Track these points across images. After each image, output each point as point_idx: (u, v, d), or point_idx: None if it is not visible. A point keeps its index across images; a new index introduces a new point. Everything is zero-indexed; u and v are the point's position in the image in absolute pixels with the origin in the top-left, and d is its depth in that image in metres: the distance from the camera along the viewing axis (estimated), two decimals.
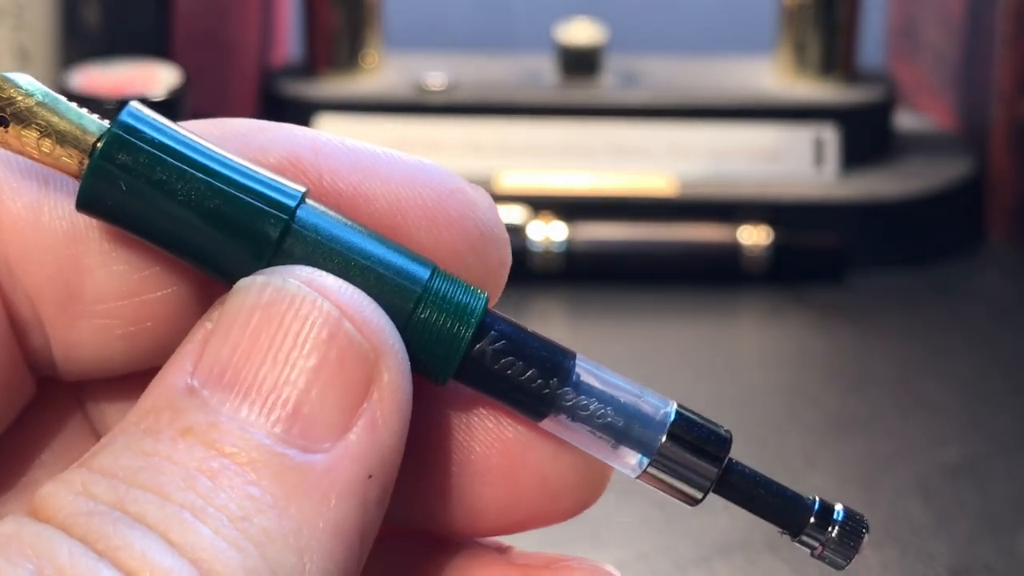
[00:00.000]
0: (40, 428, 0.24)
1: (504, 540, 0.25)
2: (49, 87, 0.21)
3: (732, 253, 0.64)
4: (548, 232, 0.64)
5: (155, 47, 0.66)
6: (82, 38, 0.65)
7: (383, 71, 0.72)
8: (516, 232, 0.64)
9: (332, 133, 0.23)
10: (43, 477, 0.23)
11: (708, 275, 0.65)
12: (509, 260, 0.24)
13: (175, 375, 0.20)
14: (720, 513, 0.47)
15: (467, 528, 0.24)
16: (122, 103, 0.21)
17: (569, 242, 0.64)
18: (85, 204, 0.21)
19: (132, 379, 0.23)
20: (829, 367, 0.59)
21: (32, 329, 0.22)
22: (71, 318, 0.22)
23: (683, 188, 0.67)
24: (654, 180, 0.67)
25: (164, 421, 0.20)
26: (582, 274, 0.64)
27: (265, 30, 0.76)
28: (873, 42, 0.79)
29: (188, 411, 0.20)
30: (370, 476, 0.20)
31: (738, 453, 0.23)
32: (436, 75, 0.70)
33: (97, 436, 0.24)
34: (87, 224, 0.22)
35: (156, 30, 0.68)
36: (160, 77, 0.60)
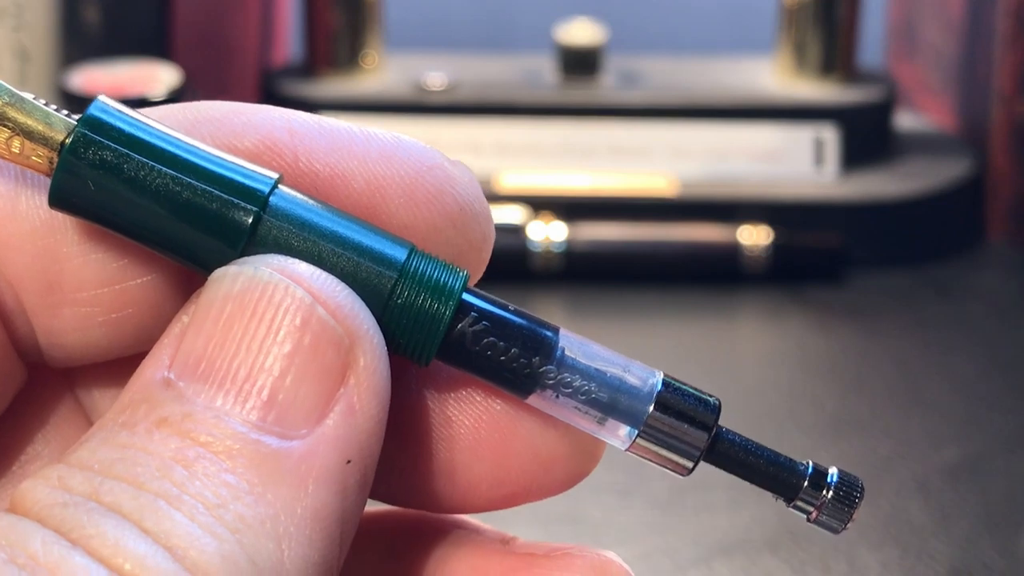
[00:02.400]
0: (34, 418, 0.24)
1: (506, 531, 0.25)
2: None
3: (732, 253, 0.64)
4: (548, 232, 0.64)
5: (155, 47, 0.66)
6: (82, 38, 0.65)
7: (383, 71, 0.72)
8: (516, 232, 0.64)
9: (309, 114, 0.23)
10: (38, 467, 0.23)
11: (708, 275, 0.65)
12: (492, 234, 0.24)
13: (152, 369, 0.20)
14: (720, 513, 0.47)
15: (461, 504, 0.24)
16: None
17: (569, 242, 0.64)
18: (57, 201, 0.21)
19: (123, 365, 0.23)
20: (829, 367, 0.59)
21: (16, 317, 0.22)
22: (52, 307, 0.22)
23: (683, 188, 0.67)
24: (654, 180, 0.67)
25: (140, 414, 0.20)
26: (582, 274, 0.64)
27: (265, 30, 0.76)
28: (873, 42, 0.79)
29: (164, 403, 0.20)
30: (349, 462, 0.20)
31: None
32: (436, 75, 0.70)
33: (91, 425, 0.24)
34: (64, 214, 0.22)
35: (156, 30, 0.68)
36: (160, 77, 0.60)
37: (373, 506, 0.24)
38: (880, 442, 0.52)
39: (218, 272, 0.21)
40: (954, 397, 0.56)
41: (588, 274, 0.65)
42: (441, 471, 0.23)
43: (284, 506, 0.19)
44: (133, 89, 0.58)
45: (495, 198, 0.65)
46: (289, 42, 0.79)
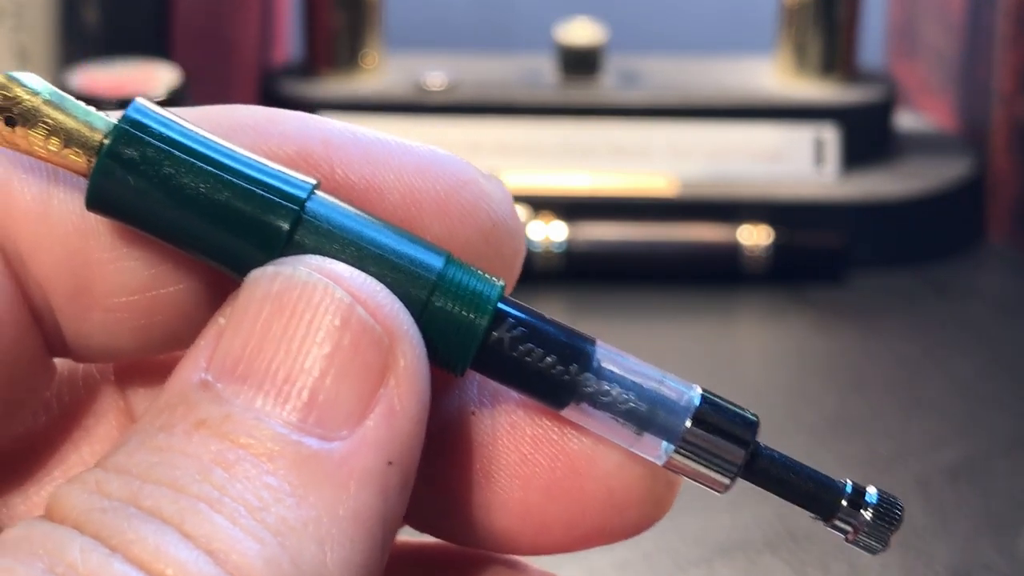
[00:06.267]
0: (83, 419, 0.24)
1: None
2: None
3: (732, 253, 0.64)
4: (548, 232, 0.64)
5: (155, 47, 0.66)
6: (82, 38, 0.65)
7: (383, 71, 0.72)
8: None
9: (344, 123, 0.23)
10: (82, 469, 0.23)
11: (708, 275, 0.65)
12: (524, 250, 0.24)
13: (189, 371, 0.20)
14: (721, 513, 0.47)
15: (531, 545, 0.24)
16: (124, 103, 0.21)
17: (569, 242, 0.64)
18: (94, 202, 0.21)
19: (172, 366, 0.23)
20: (829, 367, 0.59)
21: (45, 316, 0.22)
22: (81, 310, 0.22)
23: (683, 188, 0.67)
24: (654, 180, 0.67)
25: (178, 416, 0.20)
26: (582, 274, 0.64)
27: (265, 30, 0.76)
28: (873, 42, 0.79)
29: (201, 405, 0.20)
30: (390, 463, 0.20)
31: None
32: (436, 75, 0.70)
33: None
34: (96, 219, 0.21)
35: (156, 30, 0.68)
36: (160, 77, 0.60)
37: (414, 535, 0.24)
38: (880, 442, 0.52)
39: (255, 272, 0.20)
40: (954, 397, 0.55)
41: (588, 274, 0.65)
42: (516, 512, 0.23)
43: (326, 508, 0.19)
44: (133, 89, 0.58)
45: None
46: (289, 42, 0.79)
